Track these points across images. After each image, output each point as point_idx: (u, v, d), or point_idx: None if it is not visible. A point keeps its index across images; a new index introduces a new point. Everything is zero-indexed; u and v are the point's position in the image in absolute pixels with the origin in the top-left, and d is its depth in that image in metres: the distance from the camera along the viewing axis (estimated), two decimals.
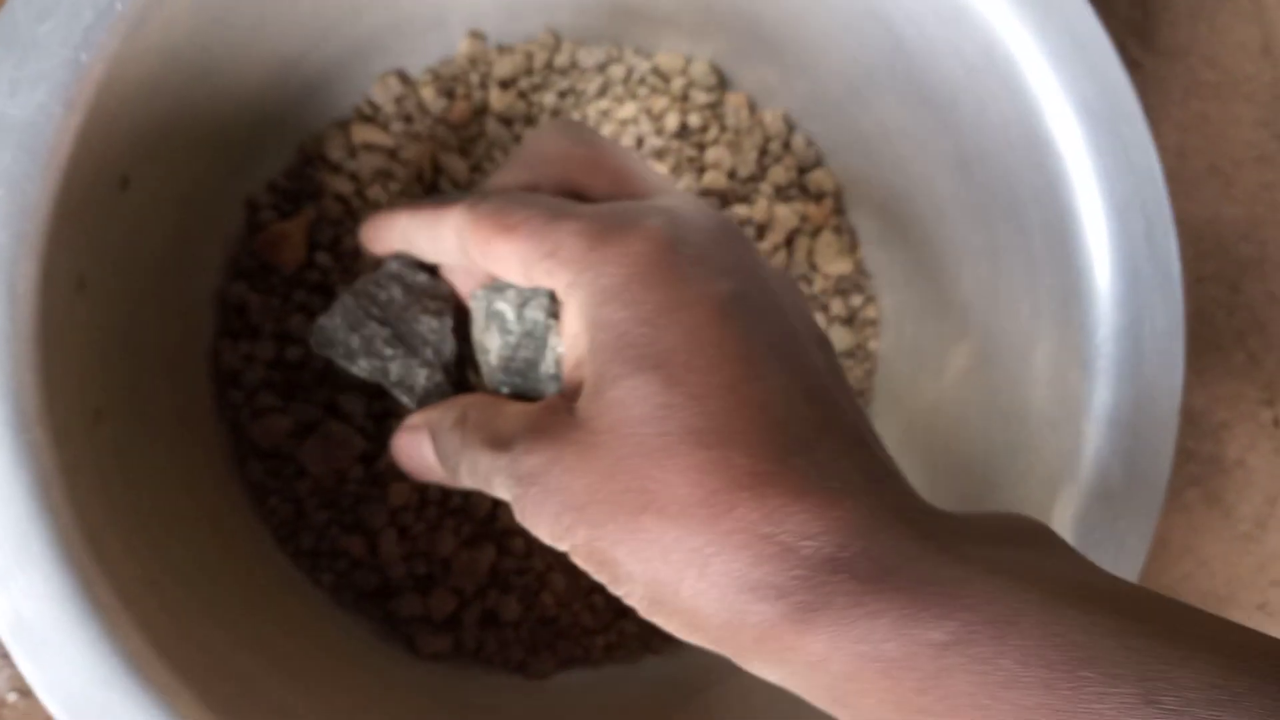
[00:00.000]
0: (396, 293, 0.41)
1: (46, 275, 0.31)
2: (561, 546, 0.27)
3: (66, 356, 0.33)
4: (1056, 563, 0.25)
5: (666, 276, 0.27)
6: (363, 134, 0.46)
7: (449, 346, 0.41)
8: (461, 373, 0.42)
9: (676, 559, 0.25)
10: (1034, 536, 0.26)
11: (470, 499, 0.45)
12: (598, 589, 0.45)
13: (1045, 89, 0.37)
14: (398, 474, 0.44)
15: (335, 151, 0.45)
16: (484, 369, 0.37)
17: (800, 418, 0.26)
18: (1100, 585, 0.24)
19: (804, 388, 0.27)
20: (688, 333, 0.26)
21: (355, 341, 0.41)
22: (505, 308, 0.33)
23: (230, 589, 0.38)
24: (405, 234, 0.35)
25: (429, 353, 0.41)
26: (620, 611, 0.46)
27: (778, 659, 0.24)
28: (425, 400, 0.41)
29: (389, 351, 0.41)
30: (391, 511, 0.44)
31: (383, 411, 0.45)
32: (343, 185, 0.45)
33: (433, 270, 0.43)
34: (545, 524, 0.27)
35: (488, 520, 0.45)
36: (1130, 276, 0.37)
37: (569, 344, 0.29)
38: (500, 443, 0.29)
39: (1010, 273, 0.41)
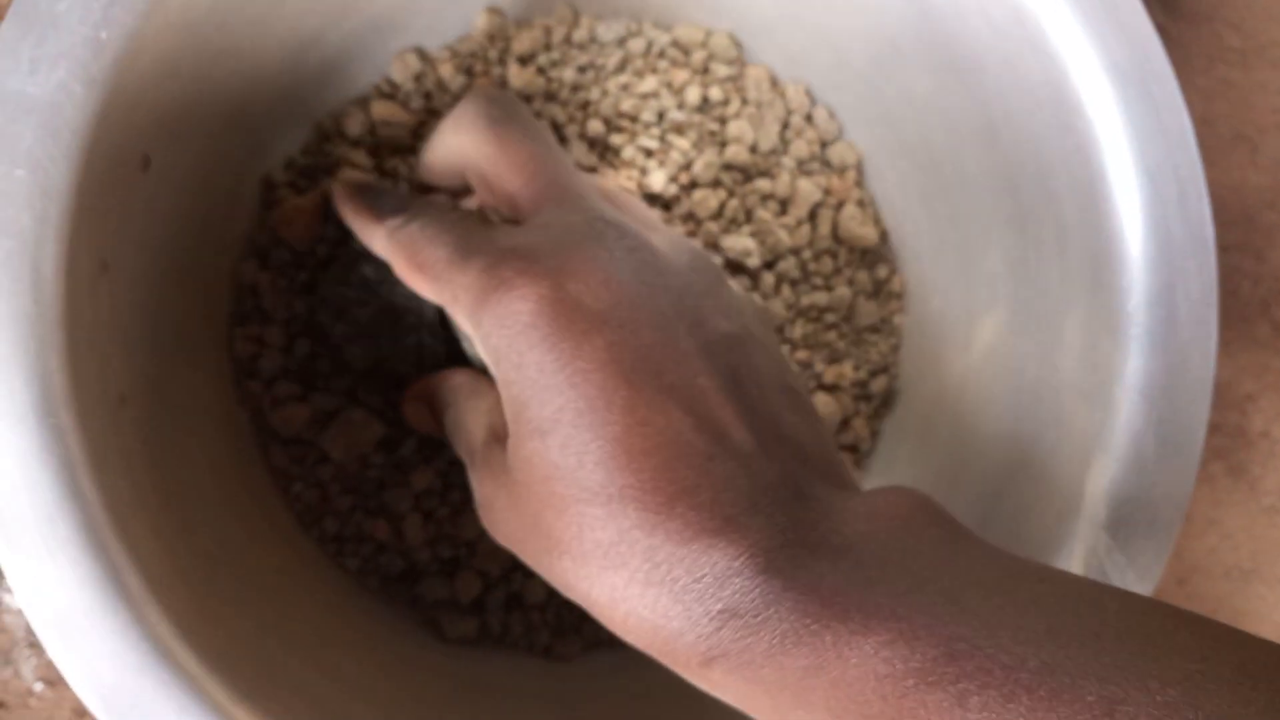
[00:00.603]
0: (368, 270, 0.42)
1: (70, 258, 0.31)
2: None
3: (90, 340, 0.32)
4: (922, 547, 0.26)
5: (546, 335, 0.28)
6: (382, 110, 0.45)
7: (426, 305, 0.42)
8: (447, 326, 0.42)
9: (600, 596, 0.27)
10: (908, 515, 0.27)
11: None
12: None
13: (1074, 50, 0.36)
14: (422, 458, 0.44)
15: (354, 128, 0.45)
16: (465, 345, 0.39)
17: (688, 454, 0.27)
18: (959, 571, 0.25)
19: (695, 418, 0.28)
20: (572, 391, 0.27)
21: (340, 330, 0.42)
22: None
23: (255, 574, 0.38)
24: (351, 226, 0.38)
25: (410, 319, 0.42)
26: None
27: (697, 681, 0.27)
28: (424, 366, 0.41)
29: (371, 339, 0.42)
30: (415, 496, 0.44)
31: (402, 399, 0.44)
32: (360, 159, 0.45)
33: None
34: (500, 541, 0.31)
35: None
36: (1163, 241, 0.36)
37: (500, 393, 0.30)
38: (468, 450, 0.33)
39: (1039, 240, 0.40)
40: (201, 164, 0.40)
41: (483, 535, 0.43)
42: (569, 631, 0.44)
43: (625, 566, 0.26)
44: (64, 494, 0.30)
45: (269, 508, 0.42)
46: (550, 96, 0.46)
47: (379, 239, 0.36)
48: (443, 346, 0.42)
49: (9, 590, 0.46)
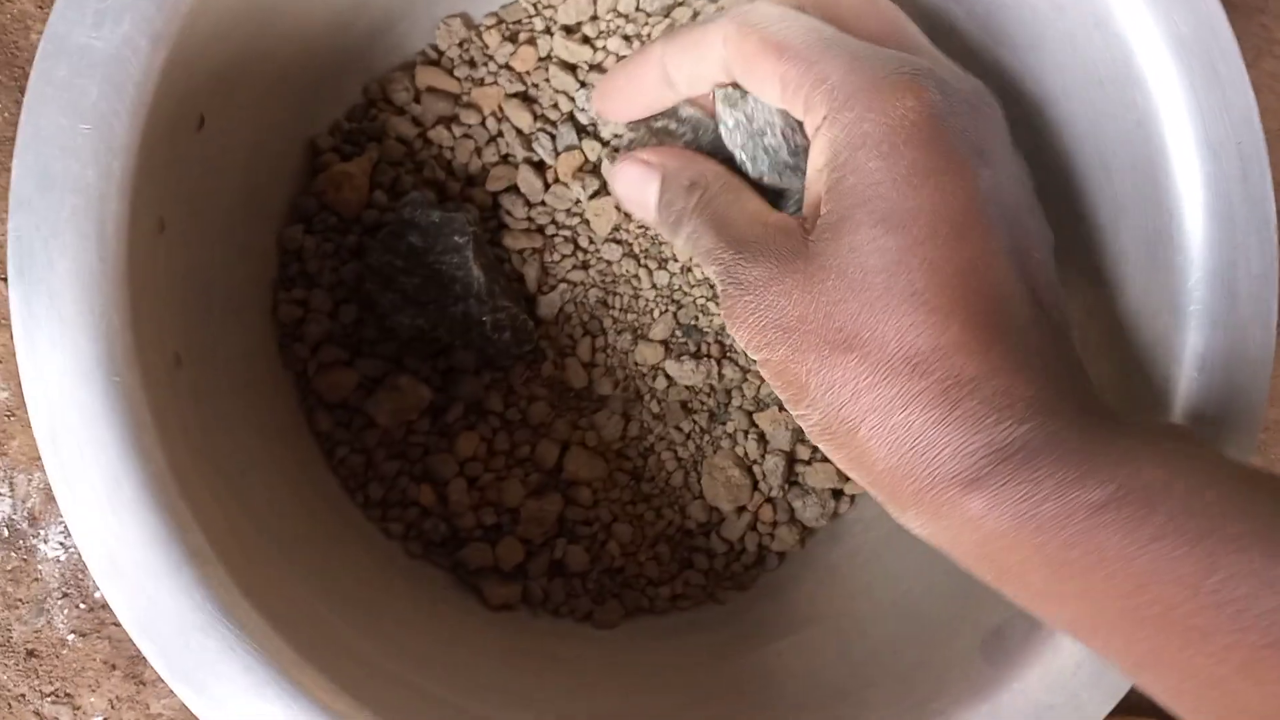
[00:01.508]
0: (415, 239, 0.42)
1: (132, 215, 0.31)
2: (754, 355, 0.29)
3: (149, 300, 0.32)
4: (1207, 452, 0.27)
5: (928, 140, 0.27)
6: (427, 78, 0.45)
7: (473, 275, 0.42)
8: (493, 285, 0.42)
9: (864, 401, 0.26)
10: (1185, 434, 0.28)
11: (536, 451, 0.44)
12: (664, 539, 0.45)
13: (1139, 25, 0.36)
14: (467, 424, 0.44)
15: (400, 94, 0.45)
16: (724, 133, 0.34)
17: (1020, 307, 0.27)
18: (1246, 471, 0.26)
19: (1027, 286, 0.28)
20: (938, 200, 0.26)
21: (387, 298, 0.42)
22: (744, 118, 0.32)
23: (305, 539, 0.38)
24: (664, 62, 0.33)
25: (457, 288, 0.42)
26: (685, 562, 0.45)
27: (932, 513, 0.26)
28: (470, 334, 0.41)
29: (418, 307, 0.42)
30: (460, 462, 0.43)
31: (448, 366, 0.44)
32: (406, 128, 0.45)
33: (444, 206, 0.43)
34: (747, 332, 0.29)
35: (555, 470, 0.45)
36: (1224, 218, 0.36)
37: (811, 177, 0.29)
38: (729, 235, 0.30)
39: (1093, 216, 0.40)
40: (251, 126, 0.39)
41: (525, 502, 0.43)
42: (609, 598, 0.44)
43: (925, 377, 0.26)
44: (129, 452, 0.29)
45: (314, 474, 0.42)
46: (596, 67, 0.46)
47: (718, 31, 0.30)
48: (489, 315, 0.42)
49: (45, 540, 0.46)
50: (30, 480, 0.46)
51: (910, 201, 0.26)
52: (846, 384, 0.26)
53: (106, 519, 0.29)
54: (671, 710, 0.39)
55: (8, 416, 0.45)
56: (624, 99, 0.35)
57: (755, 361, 0.29)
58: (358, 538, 0.42)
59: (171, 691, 0.46)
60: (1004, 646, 0.34)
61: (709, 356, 0.46)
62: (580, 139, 0.45)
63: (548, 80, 0.45)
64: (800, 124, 0.30)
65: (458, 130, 0.45)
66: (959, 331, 0.26)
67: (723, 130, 0.33)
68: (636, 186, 0.33)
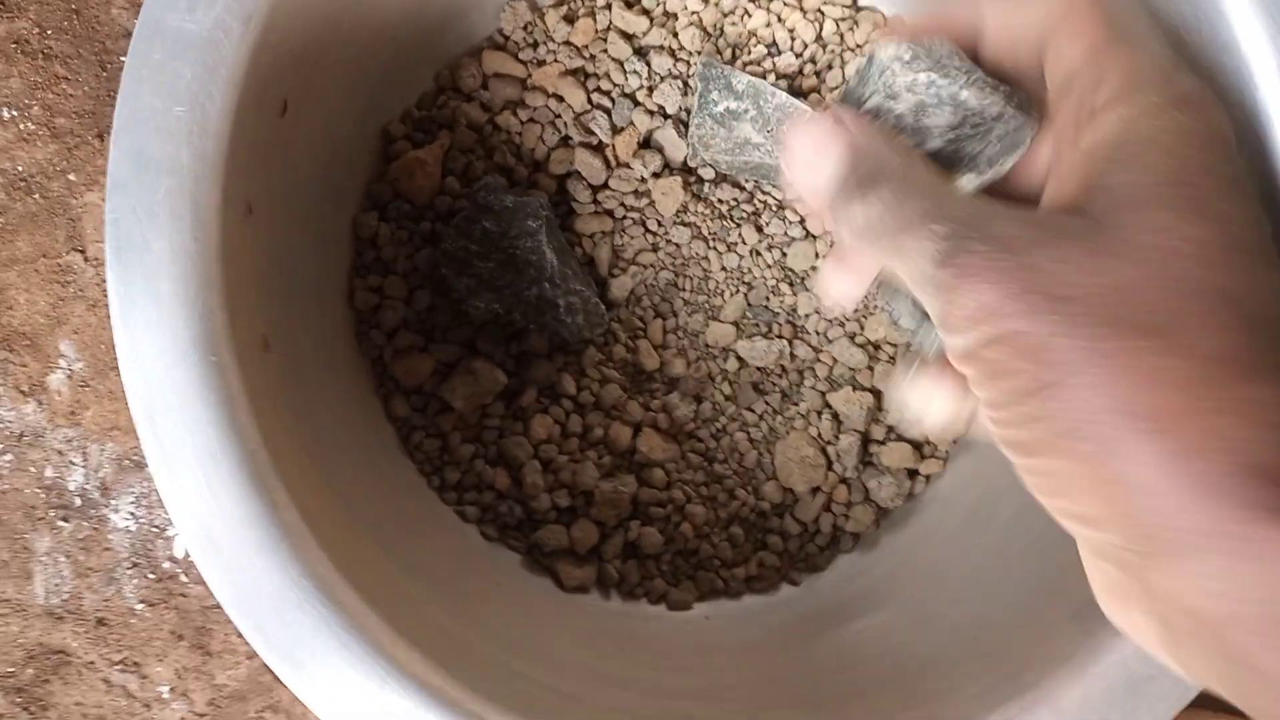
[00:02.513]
0: (489, 224, 0.42)
1: (224, 198, 0.31)
2: (987, 328, 0.23)
3: (240, 282, 0.32)
4: None
5: (1228, 158, 0.25)
6: (493, 63, 0.45)
7: (547, 258, 0.42)
8: (565, 269, 0.42)
9: (1165, 397, 0.22)
10: None
11: (609, 433, 0.44)
12: (738, 520, 0.45)
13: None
14: (541, 408, 0.44)
15: (468, 81, 0.45)
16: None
17: None
18: None
19: None
20: (1242, 214, 0.24)
21: (463, 283, 0.42)
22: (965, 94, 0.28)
23: (389, 517, 0.38)
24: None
25: (531, 272, 0.42)
26: (759, 544, 0.45)
27: (1230, 551, 0.21)
28: (544, 317, 0.41)
29: (494, 291, 0.42)
30: (534, 444, 0.44)
31: (520, 351, 0.44)
32: (475, 114, 0.45)
33: (515, 191, 0.43)
34: (996, 295, 0.23)
35: (628, 452, 0.45)
36: None
37: (1088, 151, 0.26)
38: (946, 210, 0.25)
39: None
40: (328, 114, 0.40)
41: (600, 484, 0.44)
42: (684, 580, 0.44)
43: (1246, 382, 0.22)
44: (225, 431, 0.30)
45: (393, 457, 0.42)
46: (673, 34, 0.46)
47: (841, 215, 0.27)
48: (563, 298, 0.42)
49: (116, 510, 0.46)
50: (103, 450, 0.46)
51: (1224, 204, 0.24)
52: (1142, 372, 0.22)
53: (203, 495, 0.30)
54: (756, 688, 0.38)
55: (82, 387, 0.46)
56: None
57: (980, 339, 0.24)
58: (436, 520, 0.42)
59: (237, 663, 0.47)
60: (1096, 618, 0.33)
61: (780, 336, 0.45)
62: (632, 112, 0.45)
63: (605, 51, 0.45)
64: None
65: (523, 114, 0.45)
66: (1266, 334, 0.22)
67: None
68: (815, 154, 0.28)
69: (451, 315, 0.44)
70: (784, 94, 0.43)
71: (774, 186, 0.46)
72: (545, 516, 0.43)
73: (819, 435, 0.45)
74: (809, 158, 0.28)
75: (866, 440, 0.45)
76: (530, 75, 0.45)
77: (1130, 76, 0.26)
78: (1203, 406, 0.21)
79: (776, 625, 0.43)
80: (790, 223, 0.46)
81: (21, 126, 0.45)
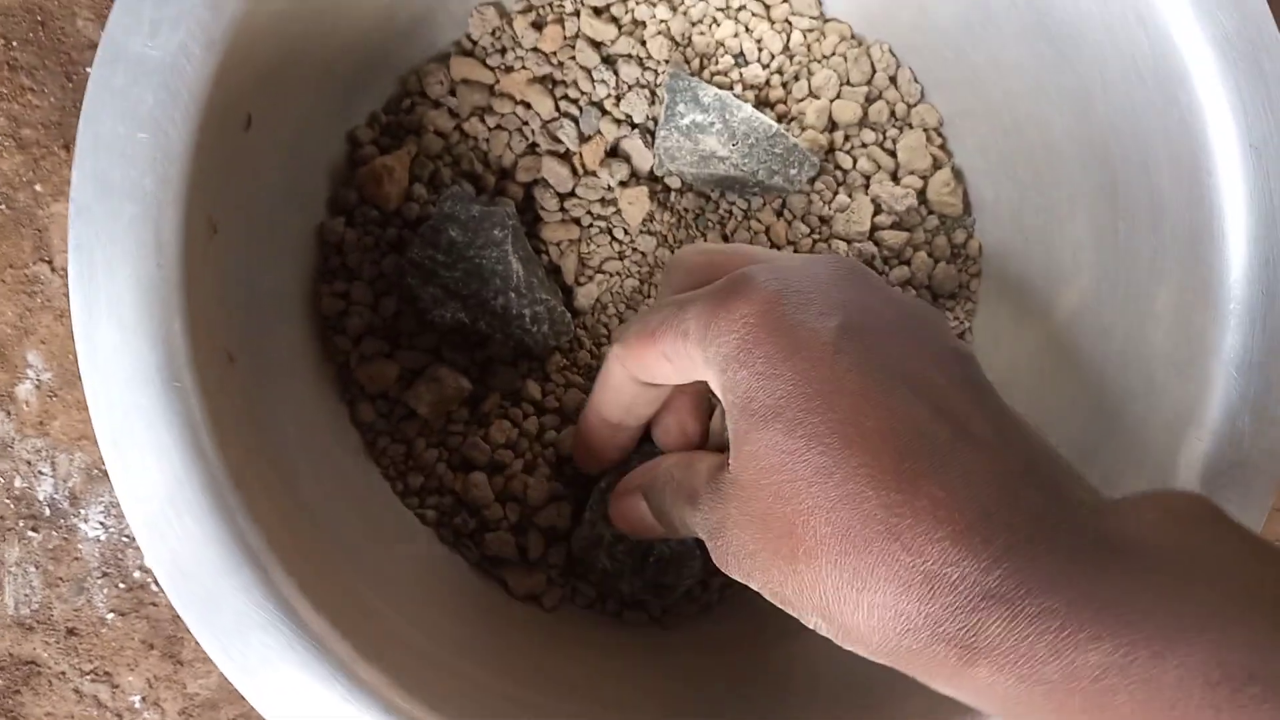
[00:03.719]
0: (455, 233, 0.42)
1: (187, 220, 0.31)
2: (751, 586, 0.28)
3: (203, 301, 0.32)
4: (1222, 552, 0.25)
5: (774, 329, 0.28)
6: (461, 69, 0.45)
7: (512, 269, 0.42)
8: (531, 278, 0.43)
9: (833, 594, 0.25)
10: (1196, 519, 0.26)
11: (560, 433, 0.45)
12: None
13: (1182, 21, 0.36)
14: (499, 414, 0.44)
15: (435, 87, 0.45)
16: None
17: (928, 439, 0.26)
18: (1269, 580, 0.23)
19: (931, 407, 0.26)
20: (800, 376, 0.27)
21: (429, 292, 0.42)
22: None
23: (354, 527, 0.38)
24: (599, 413, 0.39)
25: (497, 282, 0.42)
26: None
27: (947, 683, 0.25)
28: (509, 326, 0.42)
29: (459, 300, 0.42)
30: (493, 448, 0.44)
31: (485, 357, 0.45)
32: (443, 121, 0.45)
33: (482, 199, 0.44)
34: (731, 570, 0.29)
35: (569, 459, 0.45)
36: (1265, 216, 0.36)
37: (721, 411, 0.31)
38: (694, 499, 0.31)
39: (1130, 211, 0.40)
40: (294, 122, 0.40)
41: (551, 498, 0.44)
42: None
43: (867, 551, 0.24)
44: (190, 456, 0.30)
45: (358, 462, 0.42)
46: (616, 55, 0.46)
47: (612, 359, 0.36)
48: (528, 308, 0.43)
49: (85, 520, 0.46)
50: (72, 460, 0.46)
51: (777, 391, 0.27)
52: (812, 585, 0.26)
53: (169, 520, 0.30)
54: (720, 693, 0.39)
55: (50, 397, 0.46)
56: (596, 457, 0.41)
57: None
58: (400, 525, 0.42)
59: (208, 671, 0.47)
60: None
61: None
62: (599, 120, 0.45)
63: (573, 58, 0.46)
64: None
65: (491, 121, 0.45)
66: (874, 493, 0.25)
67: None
68: (633, 514, 0.37)
69: (417, 322, 0.44)
70: (750, 108, 0.43)
71: (740, 197, 0.46)
72: (497, 525, 0.44)
73: None
74: (634, 523, 0.38)
75: None
76: (498, 81, 0.46)
77: (695, 345, 0.31)
78: (851, 588, 0.25)
79: (740, 632, 0.44)
80: (755, 232, 0.46)
81: None
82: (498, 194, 0.46)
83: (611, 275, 0.46)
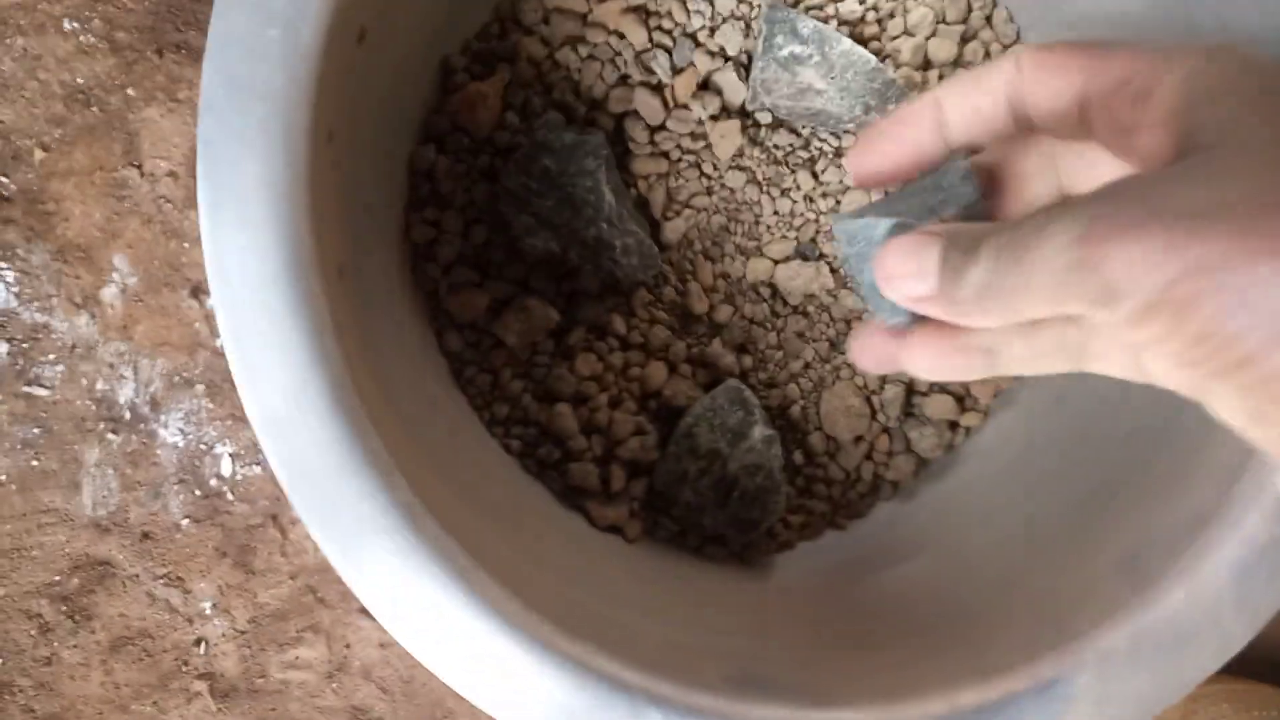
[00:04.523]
0: (549, 162, 0.42)
1: (313, 124, 0.31)
2: (1160, 272, 0.22)
3: (321, 210, 0.32)
4: None
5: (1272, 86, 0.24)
6: None
7: (605, 198, 0.42)
8: (622, 209, 0.43)
9: None
10: None
11: (645, 370, 0.45)
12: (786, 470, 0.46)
13: None
14: (585, 347, 0.45)
15: (529, 14, 0.45)
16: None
17: None
18: None
19: None
20: None
21: (522, 220, 0.42)
22: None
23: (449, 447, 0.39)
24: (939, 102, 0.30)
25: (589, 211, 0.42)
26: (805, 491, 0.46)
27: None
28: (599, 257, 0.41)
29: (551, 229, 0.42)
30: (578, 380, 0.44)
31: (571, 290, 0.45)
32: (535, 48, 0.45)
33: (573, 129, 0.44)
34: (1155, 236, 0.22)
35: (655, 394, 0.45)
36: None
37: (1164, 119, 0.25)
38: (1055, 216, 0.24)
39: None
40: (399, 43, 0.39)
41: (637, 429, 0.44)
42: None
43: None
44: (315, 357, 0.30)
45: (446, 389, 0.42)
46: None
47: (1015, 61, 0.28)
48: (619, 239, 0.42)
49: (165, 425, 0.47)
50: (154, 366, 0.46)
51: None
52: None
53: (293, 419, 0.30)
54: (802, 628, 0.39)
55: (135, 302, 0.46)
56: (887, 147, 0.31)
57: (1157, 285, 0.22)
58: (487, 452, 0.42)
59: (279, 582, 0.47)
60: (1143, 570, 0.34)
61: (820, 258, 0.46)
62: (693, 52, 0.45)
63: None
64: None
65: (583, 51, 0.45)
66: None
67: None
68: (912, 253, 0.28)
69: (506, 252, 0.44)
70: (849, 41, 0.43)
71: (832, 134, 0.46)
72: (581, 456, 0.44)
73: (864, 385, 0.46)
74: (910, 266, 0.28)
75: (910, 391, 0.46)
76: (591, 10, 0.45)
77: (1155, 52, 0.26)
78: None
79: (823, 568, 0.44)
80: (846, 171, 0.46)
81: (82, 39, 0.44)
82: (589, 124, 0.45)
83: (699, 211, 0.46)
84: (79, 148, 0.45)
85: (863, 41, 0.46)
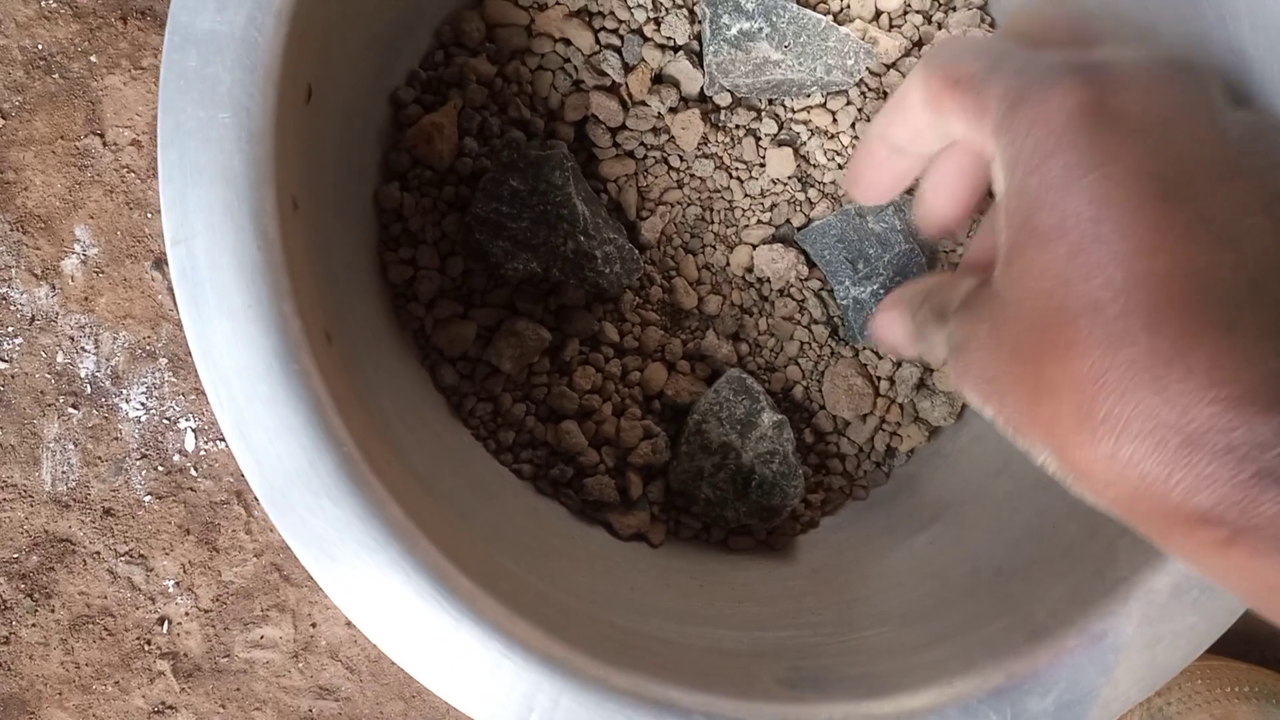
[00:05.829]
0: (516, 182, 0.41)
1: (278, 199, 0.30)
2: (984, 413, 0.27)
3: (299, 282, 0.32)
4: None
5: (1077, 139, 0.24)
6: (495, 12, 0.44)
7: (577, 210, 0.42)
8: (596, 218, 0.42)
9: (1073, 437, 0.23)
10: None
11: (645, 374, 0.45)
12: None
13: None
14: (581, 360, 0.44)
15: (472, 34, 0.43)
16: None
17: (1221, 291, 0.22)
18: None
19: (1236, 258, 0.23)
20: (1096, 198, 0.23)
21: (499, 246, 0.41)
22: None
23: (459, 486, 0.38)
24: (883, 134, 0.31)
25: (564, 226, 0.41)
26: (821, 468, 0.46)
27: (1187, 556, 0.23)
28: (581, 269, 0.41)
29: (530, 250, 0.42)
30: (579, 395, 0.44)
31: (558, 305, 0.44)
32: (483, 68, 0.44)
33: (541, 143, 0.43)
34: (968, 391, 0.27)
35: (658, 395, 0.45)
36: None
37: (1001, 211, 0.26)
38: (943, 315, 0.29)
39: None
40: (344, 89, 0.39)
41: (645, 436, 0.44)
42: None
43: (1122, 399, 0.22)
44: (319, 436, 0.30)
45: (448, 424, 0.42)
46: None
47: (914, 82, 0.29)
48: (599, 248, 0.42)
49: (127, 400, 0.46)
50: (115, 339, 0.45)
51: (1067, 209, 0.24)
52: (1051, 423, 0.24)
53: (308, 504, 0.30)
54: (842, 609, 0.39)
55: (96, 273, 0.45)
56: (868, 180, 0.33)
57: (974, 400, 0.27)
58: (500, 481, 0.42)
59: (244, 560, 0.47)
60: None
61: (791, 245, 0.46)
62: (642, 47, 0.44)
63: None
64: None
65: (532, 62, 0.44)
66: (1146, 336, 0.22)
67: None
68: (889, 331, 0.33)
69: (486, 278, 0.43)
70: (795, 5, 0.42)
71: (793, 100, 0.45)
72: (594, 470, 0.44)
73: (874, 368, 0.46)
74: (892, 340, 0.33)
75: (927, 369, 0.46)
76: (534, 21, 0.44)
77: (991, 122, 0.26)
78: (1104, 440, 0.23)
79: (850, 543, 0.45)
80: (815, 131, 0.45)
81: (43, 4, 0.42)
82: (549, 137, 0.44)
83: (673, 205, 0.45)
84: (40, 116, 0.43)
85: (809, 6, 0.45)
